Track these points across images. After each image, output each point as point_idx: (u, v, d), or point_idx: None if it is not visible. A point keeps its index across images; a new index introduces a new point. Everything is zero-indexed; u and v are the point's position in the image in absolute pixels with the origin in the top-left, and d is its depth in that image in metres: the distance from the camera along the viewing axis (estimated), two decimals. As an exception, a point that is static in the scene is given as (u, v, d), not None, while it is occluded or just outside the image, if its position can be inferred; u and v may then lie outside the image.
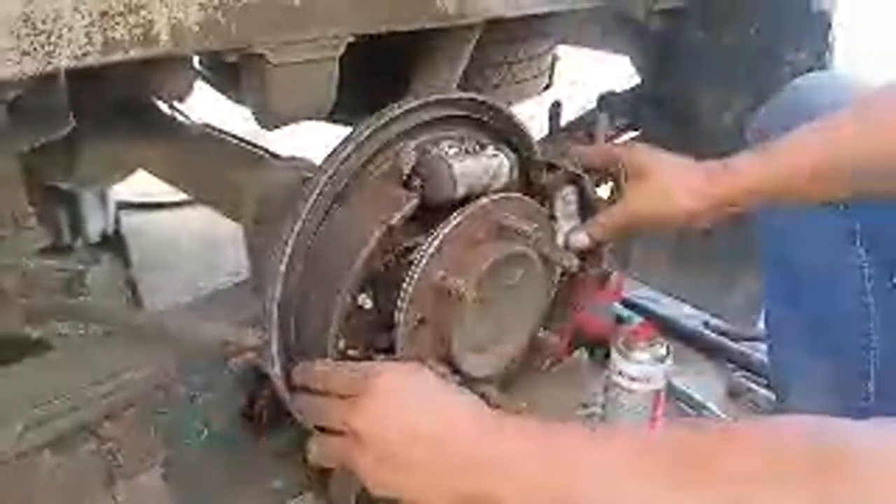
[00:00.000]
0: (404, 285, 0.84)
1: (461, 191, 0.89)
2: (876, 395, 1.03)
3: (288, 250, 0.85)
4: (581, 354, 1.47)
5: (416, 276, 0.83)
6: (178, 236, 2.16)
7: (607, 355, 1.30)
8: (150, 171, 1.38)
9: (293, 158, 1.20)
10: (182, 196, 2.00)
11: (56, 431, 0.85)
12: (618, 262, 1.55)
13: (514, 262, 0.92)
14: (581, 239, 0.93)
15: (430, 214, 0.91)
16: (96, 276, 1.60)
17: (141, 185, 1.79)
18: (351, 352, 0.93)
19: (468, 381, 0.92)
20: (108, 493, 0.93)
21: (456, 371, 0.90)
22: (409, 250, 0.86)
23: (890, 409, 1.02)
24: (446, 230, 0.86)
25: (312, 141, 1.36)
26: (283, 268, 0.85)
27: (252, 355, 0.97)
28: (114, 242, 1.84)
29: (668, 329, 1.60)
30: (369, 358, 0.92)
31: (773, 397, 1.37)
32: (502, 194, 0.92)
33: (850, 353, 1.02)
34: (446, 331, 0.88)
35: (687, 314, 1.67)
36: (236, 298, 1.11)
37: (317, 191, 0.85)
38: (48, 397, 0.85)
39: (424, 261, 0.84)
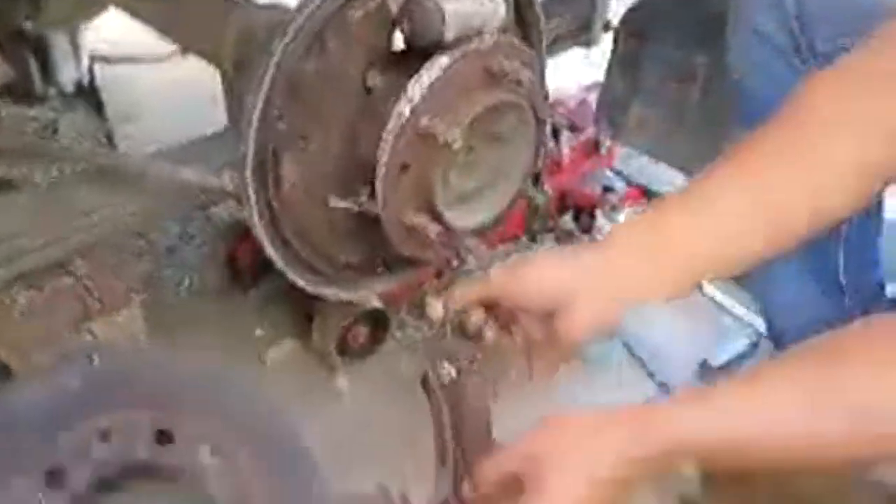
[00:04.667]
0: (387, 128, 0.80)
1: (451, 33, 0.83)
2: (846, 267, 1.03)
3: (264, 89, 0.81)
4: (567, 220, 1.46)
5: (400, 118, 0.79)
6: (154, 90, 2.08)
7: (592, 218, 1.29)
8: (125, 10, 1.30)
9: (274, 5, 1.13)
10: (159, 51, 1.91)
11: (26, 267, 0.83)
12: (611, 130, 1.51)
13: (505, 110, 0.88)
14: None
15: (417, 58, 0.86)
16: (69, 124, 1.55)
17: (116, 35, 1.70)
18: (333, 202, 0.90)
19: (451, 233, 0.90)
20: (85, 329, 0.93)
21: (438, 221, 0.88)
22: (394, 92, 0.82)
23: (859, 278, 1.03)
24: (433, 71, 0.81)
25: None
26: (258, 109, 0.81)
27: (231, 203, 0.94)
28: (88, 93, 1.77)
29: (655, 197, 1.58)
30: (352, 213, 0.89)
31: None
32: (495, 38, 0.87)
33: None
34: (430, 179, 0.85)
35: (676, 184, 1.64)
36: (215, 147, 1.07)
37: (294, 29, 0.80)
38: (17, 234, 0.83)
39: (409, 103, 0.80)
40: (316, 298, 1.14)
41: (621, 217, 1.24)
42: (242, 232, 1.25)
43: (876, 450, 0.56)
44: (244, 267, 1.27)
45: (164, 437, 0.89)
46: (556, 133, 1.38)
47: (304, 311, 1.20)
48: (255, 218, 0.87)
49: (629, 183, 1.56)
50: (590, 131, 1.52)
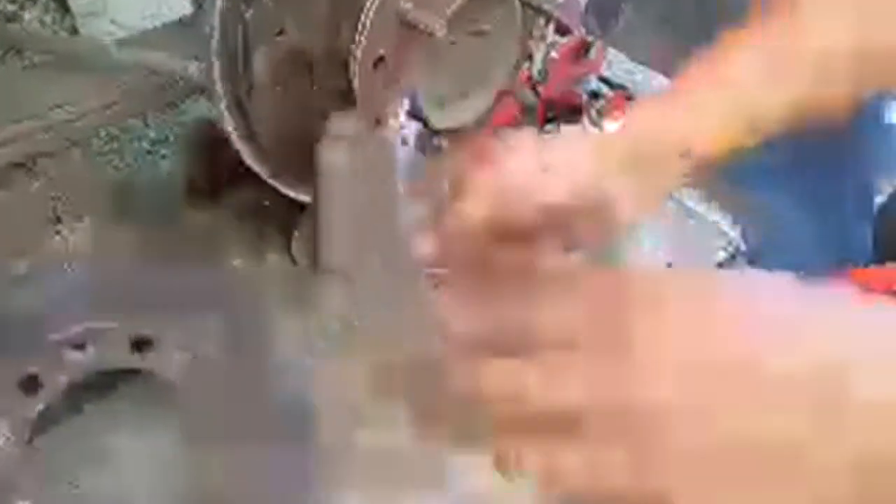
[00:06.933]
0: (363, 13, 0.75)
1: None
2: None
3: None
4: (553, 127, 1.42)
5: (376, 2, 0.74)
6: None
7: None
8: None
9: None
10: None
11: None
12: (599, 30, 1.45)
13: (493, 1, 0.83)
14: None
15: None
16: (32, 17, 1.46)
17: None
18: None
19: (430, 133, 0.87)
20: (57, 234, 0.90)
21: (416, 118, 0.85)
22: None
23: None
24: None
25: None
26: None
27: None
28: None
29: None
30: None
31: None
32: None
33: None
34: (409, 73, 0.81)
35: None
36: (188, 34, 1.01)
37: None
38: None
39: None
40: (296, 208, 1.11)
41: (608, 124, 1.20)
42: (218, 137, 1.20)
43: None
44: (220, 173, 1.23)
45: (141, 344, 0.88)
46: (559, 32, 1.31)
47: (284, 223, 1.16)
48: (225, 113, 0.84)
49: (615, 87, 1.51)
50: (576, 35, 1.45)
